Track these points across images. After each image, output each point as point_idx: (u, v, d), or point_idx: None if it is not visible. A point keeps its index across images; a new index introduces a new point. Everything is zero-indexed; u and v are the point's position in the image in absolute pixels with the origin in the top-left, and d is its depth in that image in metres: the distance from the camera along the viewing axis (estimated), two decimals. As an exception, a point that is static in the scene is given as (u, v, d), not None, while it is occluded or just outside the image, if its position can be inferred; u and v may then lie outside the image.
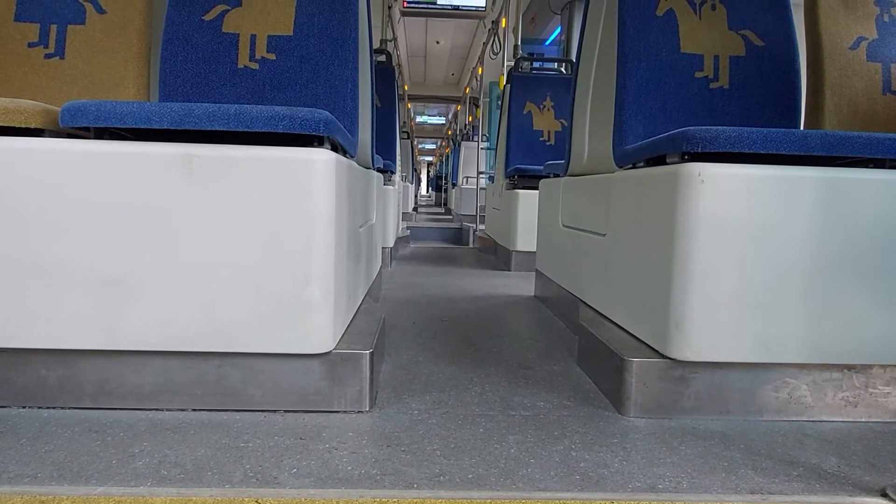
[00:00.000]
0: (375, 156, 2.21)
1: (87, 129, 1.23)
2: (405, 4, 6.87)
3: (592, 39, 2.01)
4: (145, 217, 1.18)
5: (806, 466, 1.07)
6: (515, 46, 5.25)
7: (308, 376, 1.25)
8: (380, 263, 2.61)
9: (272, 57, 1.64)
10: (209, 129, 1.19)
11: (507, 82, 4.28)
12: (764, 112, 1.73)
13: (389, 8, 6.03)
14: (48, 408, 1.24)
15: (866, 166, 1.30)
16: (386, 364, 1.64)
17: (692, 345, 1.25)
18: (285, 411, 1.26)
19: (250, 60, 1.64)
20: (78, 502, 0.89)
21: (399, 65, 8.41)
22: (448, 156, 14.29)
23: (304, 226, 1.19)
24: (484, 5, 7.11)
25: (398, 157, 4.72)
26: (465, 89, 11.26)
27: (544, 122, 4.06)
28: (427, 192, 26.77)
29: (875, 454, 1.13)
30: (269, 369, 1.25)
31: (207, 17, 1.65)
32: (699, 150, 1.24)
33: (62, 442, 1.09)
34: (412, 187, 9.82)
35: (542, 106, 4.07)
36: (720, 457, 1.11)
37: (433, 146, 26.54)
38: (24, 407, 1.24)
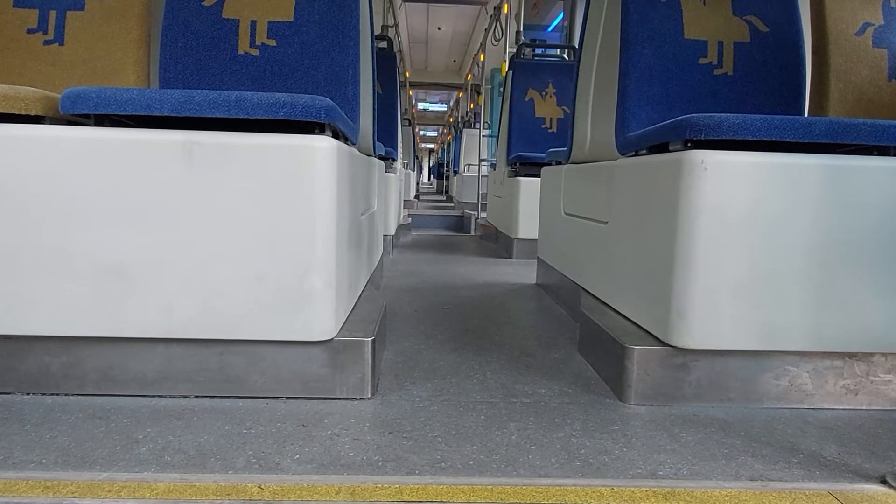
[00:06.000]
0: (377, 143, 2.20)
1: (87, 116, 1.22)
2: (406, -10, 6.81)
3: (595, 25, 1.99)
4: (146, 204, 1.18)
5: (806, 454, 1.08)
6: (517, 33, 5.22)
7: (310, 363, 1.26)
8: (381, 251, 2.61)
9: (273, 43, 1.63)
10: (210, 115, 1.18)
11: (509, 69, 4.25)
12: (768, 99, 1.72)
13: (391, -7, 5.98)
14: (52, 394, 1.24)
15: (871, 154, 1.29)
16: (388, 351, 1.65)
17: (693, 332, 1.25)
18: (287, 398, 1.26)
19: (251, 46, 1.63)
20: (82, 488, 0.89)
21: (400, 51, 8.36)
22: (450, 143, 14.24)
23: (305, 213, 1.19)
24: (486, -9, 7.05)
25: (399, 145, 4.70)
26: (467, 76, 11.19)
27: (546, 109, 4.04)
28: (428, 179, 26.71)
29: (875, 442, 1.14)
30: (271, 356, 1.25)
31: (207, 3, 1.63)
32: (702, 138, 1.23)
33: (66, 428, 1.09)
34: (414, 175, 9.79)
35: (544, 93, 4.04)
36: (720, 444, 1.11)
37: (435, 133, 26.44)
38: (28, 393, 1.25)
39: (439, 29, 11.79)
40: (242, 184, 1.18)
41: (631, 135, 1.59)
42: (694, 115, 1.25)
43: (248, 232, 1.19)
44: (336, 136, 1.28)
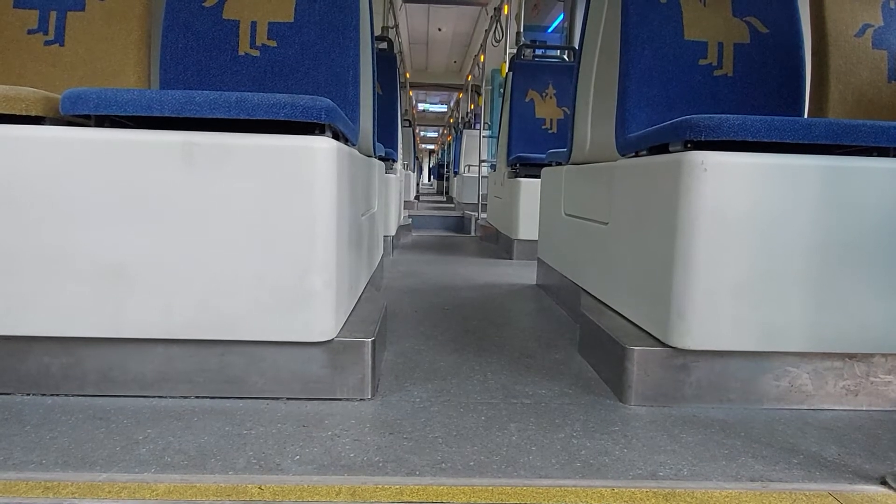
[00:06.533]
0: (377, 144, 2.20)
1: (87, 116, 1.22)
2: (407, -9, 6.82)
3: (595, 26, 1.99)
4: (146, 205, 1.18)
5: (806, 454, 1.08)
6: (518, 34, 5.22)
7: (310, 364, 1.26)
8: (381, 252, 2.61)
9: (273, 44, 1.63)
10: (210, 116, 1.19)
11: (509, 70, 4.25)
12: (768, 100, 1.72)
13: (391, -6, 5.99)
14: (52, 395, 1.24)
15: (870, 155, 1.29)
16: (388, 352, 1.65)
17: (693, 333, 1.25)
18: (288, 399, 1.26)
19: (251, 47, 1.63)
20: (82, 489, 0.89)
21: (401, 52, 8.36)
22: (450, 144, 14.24)
23: (305, 214, 1.19)
24: (486, -8, 7.06)
25: (400, 145, 4.70)
26: (467, 77, 11.20)
27: (547, 110, 4.04)
28: (429, 180, 26.70)
29: (875, 442, 1.14)
30: (271, 357, 1.25)
31: (208, 4, 1.63)
32: (702, 139, 1.23)
33: (66, 429, 1.09)
34: (414, 175, 9.80)
35: (544, 94, 4.05)
36: (721, 444, 1.11)
37: (435, 134, 26.45)
38: (28, 394, 1.25)
39: (439, 30, 11.80)
40: (243, 184, 1.18)
41: (631, 136, 1.59)
42: (694, 116, 1.25)
43: (248, 232, 1.19)
44: (336, 136, 1.28)
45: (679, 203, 1.24)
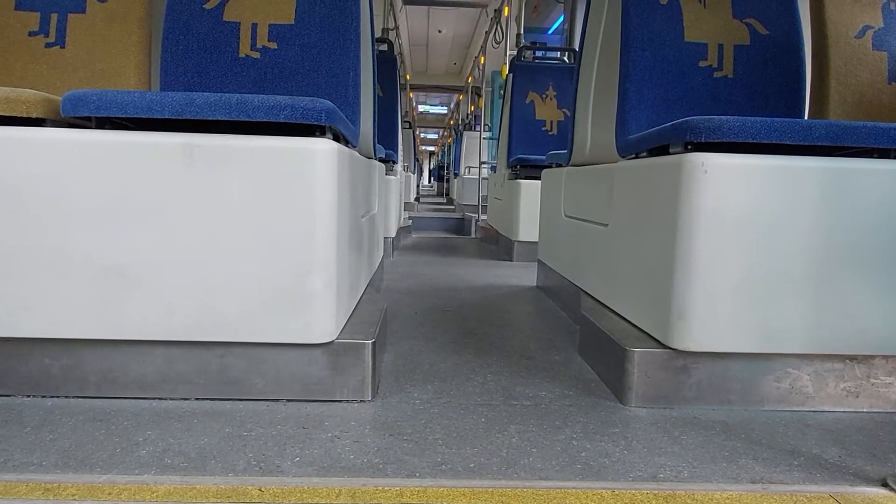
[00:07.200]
0: (377, 145, 2.20)
1: (88, 118, 1.22)
2: (407, -7, 6.83)
3: (595, 28, 1.99)
4: (147, 207, 1.18)
5: (807, 456, 1.08)
6: (518, 35, 5.23)
7: (310, 366, 1.26)
8: (382, 253, 2.61)
9: (273, 46, 1.63)
10: (210, 118, 1.19)
11: (509, 71, 4.26)
12: (768, 101, 1.72)
13: (391, -4, 5.99)
14: (52, 397, 1.24)
15: (871, 156, 1.29)
16: (388, 353, 1.64)
17: (694, 335, 1.25)
18: (288, 400, 1.26)
19: (251, 49, 1.63)
20: (82, 490, 0.89)
21: (401, 54, 8.38)
22: (450, 145, 14.25)
23: (305, 215, 1.19)
24: (486, -7, 7.07)
25: (400, 147, 4.70)
26: (468, 78, 11.21)
27: (547, 111, 4.05)
28: (429, 182, 26.71)
29: (876, 444, 1.13)
30: (271, 359, 1.25)
31: (208, 6, 1.64)
32: (703, 140, 1.23)
33: (66, 430, 1.09)
34: (414, 177, 9.80)
35: (544, 95, 4.05)
36: (721, 446, 1.11)
37: (435, 136, 26.48)
38: (28, 396, 1.25)
39: (440, 31, 11.81)
40: (243, 186, 1.18)
41: (631, 137, 1.60)
42: (694, 117, 1.25)
43: (248, 234, 1.19)
44: (337, 138, 1.29)
45: (679, 204, 1.24)
